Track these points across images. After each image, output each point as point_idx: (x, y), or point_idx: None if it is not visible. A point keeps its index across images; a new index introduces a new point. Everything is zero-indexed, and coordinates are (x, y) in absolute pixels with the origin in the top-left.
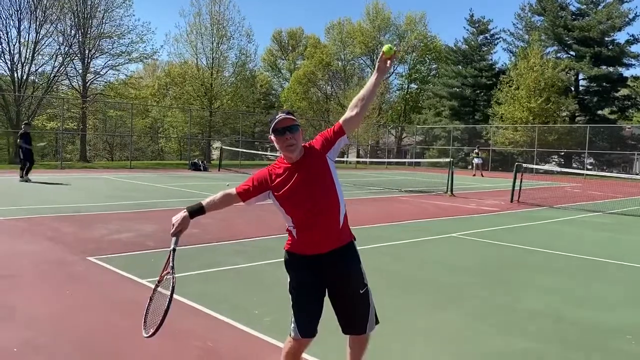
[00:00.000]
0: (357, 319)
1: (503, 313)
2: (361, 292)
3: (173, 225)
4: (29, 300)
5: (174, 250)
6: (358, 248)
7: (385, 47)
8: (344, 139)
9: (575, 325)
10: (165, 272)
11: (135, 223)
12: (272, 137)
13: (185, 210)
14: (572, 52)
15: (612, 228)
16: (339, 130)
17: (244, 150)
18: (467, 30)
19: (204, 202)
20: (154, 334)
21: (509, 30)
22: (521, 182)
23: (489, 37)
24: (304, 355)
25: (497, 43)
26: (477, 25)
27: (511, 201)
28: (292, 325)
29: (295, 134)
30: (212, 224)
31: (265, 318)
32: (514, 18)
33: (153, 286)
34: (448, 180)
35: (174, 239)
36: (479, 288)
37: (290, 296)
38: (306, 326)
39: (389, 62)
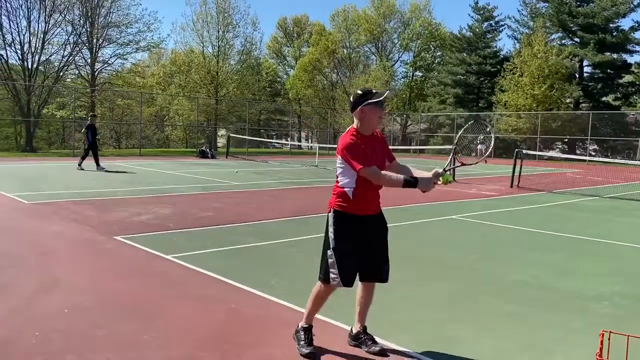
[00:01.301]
0: (384, 269)
1: (493, 283)
2: (389, 249)
3: (433, 186)
4: (70, 272)
5: (333, 249)
6: None
7: (442, 178)
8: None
9: (557, 292)
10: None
11: (153, 206)
12: (369, 108)
13: (417, 186)
14: (576, 39)
15: (606, 211)
16: (390, 157)
17: (250, 138)
18: (472, 17)
19: (400, 176)
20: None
21: (513, 17)
22: (521, 167)
23: (493, 24)
24: (321, 317)
25: (502, 30)
26: (482, 12)
27: (511, 186)
28: (333, 276)
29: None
30: (225, 209)
31: (281, 287)
32: (519, 5)
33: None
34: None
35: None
36: (472, 262)
37: (327, 252)
38: (350, 278)
39: (436, 185)
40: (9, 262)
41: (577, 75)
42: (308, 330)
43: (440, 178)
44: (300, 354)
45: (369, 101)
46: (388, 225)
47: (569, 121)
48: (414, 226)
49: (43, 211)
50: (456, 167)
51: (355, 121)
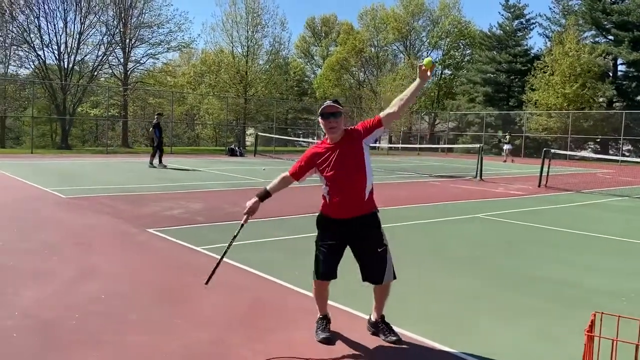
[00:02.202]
0: (374, 271)
1: (514, 278)
2: (379, 250)
3: (246, 207)
4: (106, 261)
5: (242, 225)
6: (389, 225)
7: (425, 61)
8: (380, 130)
9: (577, 289)
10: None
11: (183, 201)
12: (320, 120)
13: (255, 196)
14: (610, 37)
15: (634, 211)
16: (378, 123)
17: (278, 137)
18: (502, 15)
19: (268, 187)
20: (206, 282)
21: (545, 15)
22: (549, 167)
23: (524, 22)
24: (341, 306)
25: (533, 28)
26: (512, 10)
27: (539, 186)
28: (315, 270)
29: (338, 119)
30: None
31: (304, 278)
32: (550, 2)
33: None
34: (477, 166)
35: (245, 217)
36: (495, 259)
37: (315, 247)
38: (325, 272)
39: (429, 72)
40: (51, 251)
41: (611, 74)
42: (323, 319)
43: (423, 63)
44: (317, 340)
45: (319, 113)
46: (417, 221)
47: (601, 120)
48: (440, 223)
49: (80, 205)
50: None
51: None
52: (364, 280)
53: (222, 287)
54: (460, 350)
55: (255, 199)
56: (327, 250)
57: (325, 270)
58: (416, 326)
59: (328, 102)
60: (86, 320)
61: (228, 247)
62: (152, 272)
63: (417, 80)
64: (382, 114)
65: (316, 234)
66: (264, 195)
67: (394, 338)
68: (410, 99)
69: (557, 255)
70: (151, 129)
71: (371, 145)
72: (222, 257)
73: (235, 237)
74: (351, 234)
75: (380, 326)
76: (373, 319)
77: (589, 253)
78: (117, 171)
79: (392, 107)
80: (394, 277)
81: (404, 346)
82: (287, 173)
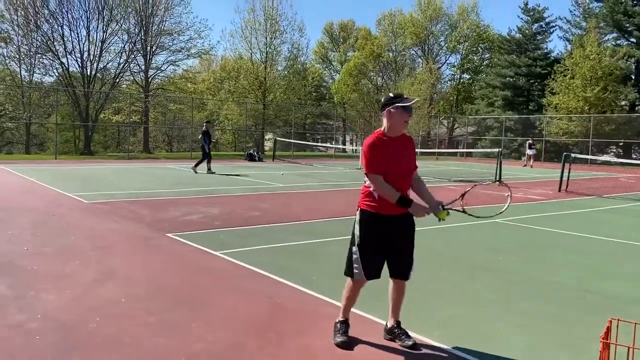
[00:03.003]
0: (407, 268)
1: (533, 284)
2: (413, 249)
3: (423, 213)
4: (126, 265)
5: (357, 245)
6: None
7: (441, 214)
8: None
9: (597, 294)
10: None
11: (202, 206)
12: (397, 111)
13: (409, 208)
14: (632, 39)
15: None
16: (414, 166)
17: (296, 142)
18: (522, 18)
19: (396, 193)
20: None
21: (565, 18)
22: (569, 172)
23: (544, 26)
24: (357, 311)
25: (553, 31)
26: (531, 13)
27: (559, 190)
28: (357, 271)
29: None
30: (271, 209)
31: (321, 283)
32: (570, 5)
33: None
34: (497, 170)
35: (430, 210)
36: (513, 264)
37: (352, 247)
38: (374, 272)
39: (427, 214)
40: (72, 255)
41: (633, 77)
42: (344, 322)
43: (438, 213)
44: (334, 343)
45: (398, 104)
46: (434, 226)
47: (623, 124)
48: (458, 228)
49: (101, 210)
50: (455, 209)
51: (384, 123)
52: (393, 276)
53: (240, 292)
54: (476, 356)
55: (416, 208)
56: (376, 248)
57: (374, 269)
58: (433, 331)
59: (412, 97)
60: (106, 323)
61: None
62: (171, 276)
63: (412, 207)
64: (370, 177)
65: (357, 233)
66: (408, 199)
67: (410, 343)
68: (386, 197)
69: (577, 260)
70: (200, 136)
71: None
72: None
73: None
74: (397, 231)
75: (396, 331)
76: (389, 325)
77: (609, 259)
78: (138, 176)
79: (418, 182)
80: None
81: (420, 351)
82: (376, 176)
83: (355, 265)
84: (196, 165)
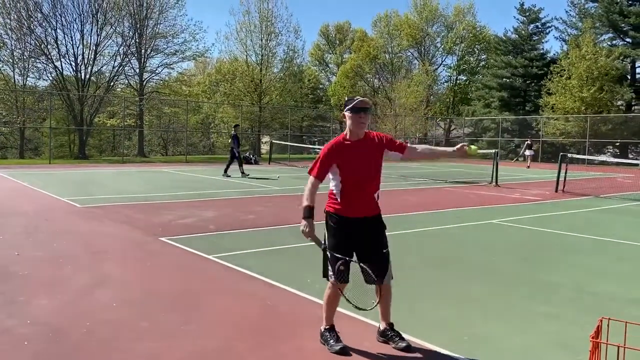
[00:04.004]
0: (378, 271)
1: (529, 284)
2: (384, 251)
3: (304, 232)
4: (118, 269)
5: (324, 249)
6: (403, 231)
7: (473, 147)
8: (398, 155)
9: (593, 295)
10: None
11: (197, 210)
12: (348, 114)
13: (302, 218)
14: (628, 39)
15: None
16: (401, 148)
17: (293, 144)
18: (517, 19)
19: (307, 201)
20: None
21: (561, 18)
22: (566, 172)
23: (539, 26)
24: (350, 313)
25: (549, 32)
26: (527, 14)
27: (555, 191)
28: (331, 273)
29: (367, 115)
30: (264, 212)
31: (315, 285)
32: (566, 5)
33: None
34: (493, 171)
35: (314, 238)
36: (509, 264)
37: (326, 251)
38: (345, 274)
39: (468, 155)
40: (64, 259)
41: (629, 77)
42: (331, 329)
43: (470, 149)
44: (332, 352)
45: (347, 107)
46: (431, 227)
47: (620, 124)
48: (454, 229)
49: (94, 214)
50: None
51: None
52: (367, 282)
53: (233, 295)
54: (471, 357)
55: (305, 220)
56: (343, 252)
57: (344, 272)
58: (427, 333)
59: (360, 98)
60: (97, 328)
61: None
62: (163, 280)
63: (453, 153)
64: (409, 145)
65: (325, 235)
66: (309, 211)
67: (404, 345)
68: (435, 156)
69: (573, 261)
70: (230, 140)
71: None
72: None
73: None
74: (362, 234)
75: (389, 334)
76: (382, 327)
77: (605, 259)
78: (133, 180)
79: (419, 148)
80: (392, 277)
81: (414, 354)
82: (312, 178)
83: (329, 268)
84: (226, 170)
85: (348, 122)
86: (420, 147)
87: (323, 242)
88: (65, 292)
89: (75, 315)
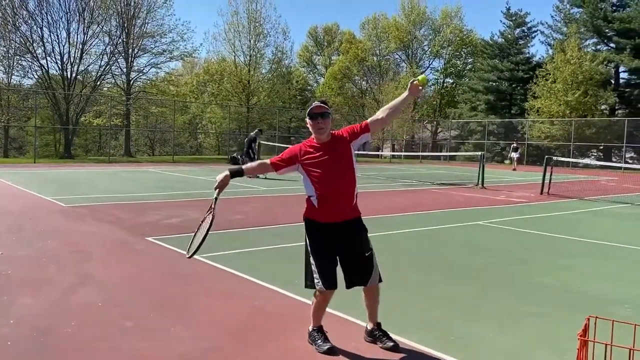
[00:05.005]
0: (361, 274)
1: (516, 285)
2: (366, 254)
3: (217, 181)
4: (103, 269)
5: (216, 199)
6: (390, 232)
7: (420, 77)
8: (367, 135)
9: (580, 295)
10: (207, 213)
11: (184, 210)
12: (307, 120)
13: (227, 170)
14: (612, 44)
15: (636, 217)
16: (365, 128)
17: (281, 145)
18: (504, 23)
19: (244, 166)
20: (192, 256)
21: (546, 23)
22: (551, 174)
23: (526, 30)
24: (337, 313)
25: (535, 36)
26: (514, 18)
27: (541, 193)
28: (317, 281)
29: (326, 120)
30: (253, 212)
31: (302, 285)
32: (552, 10)
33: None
34: (479, 173)
35: (217, 191)
36: (495, 266)
37: (309, 259)
38: (332, 281)
39: (420, 88)
40: (49, 259)
41: (613, 82)
42: (319, 329)
43: (418, 79)
44: (320, 352)
45: (307, 113)
46: (417, 228)
47: (604, 128)
48: (440, 231)
49: (80, 213)
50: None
51: None
52: (349, 286)
53: (220, 296)
54: (458, 357)
55: (226, 172)
56: (327, 257)
57: (331, 278)
58: (414, 333)
59: (316, 102)
60: (82, 328)
61: (203, 222)
62: (149, 280)
63: (406, 93)
64: (369, 120)
65: (308, 242)
66: (236, 172)
67: (391, 344)
68: (397, 109)
69: (559, 262)
70: (254, 143)
71: (371, 153)
72: (205, 236)
73: (212, 208)
74: (341, 238)
75: (377, 334)
76: (369, 327)
77: (591, 260)
78: (119, 180)
79: (380, 115)
80: (380, 280)
81: (402, 354)
82: (268, 160)
83: (315, 276)
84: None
85: (309, 127)
86: (379, 113)
87: (307, 249)
88: (50, 291)
89: (59, 315)
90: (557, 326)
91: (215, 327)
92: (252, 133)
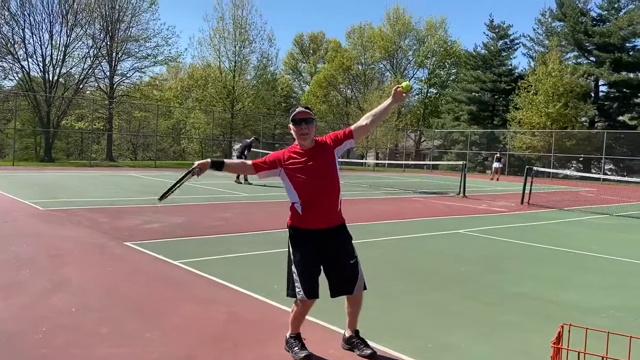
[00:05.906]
0: (345, 283)
1: (492, 294)
2: (351, 262)
3: (195, 164)
4: (79, 274)
5: (189, 172)
6: (371, 239)
7: (404, 84)
8: (351, 142)
9: (555, 304)
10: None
11: (164, 215)
12: (291, 126)
13: (209, 159)
14: (592, 58)
15: (613, 228)
16: (349, 134)
17: (265, 152)
18: (487, 35)
19: (226, 160)
20: (162, 199)
21: (529, 36)
22: (531, 185)
23: (508, 42)
24: (315, 320)
25: (517, 48)
26: (497, 30)
27: (521, 203)
28: (298, 290)
29: (310, 125)
30: (234, 218)
31: (282, 292)
32: (534, 23)
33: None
34: (461, 183)
35: (194, 167)
36: (473, 274)
37: (292, 267)
38: (313, 290)
39: (404, 94)
40: (23, 263)
41: (593, 94)
42: (297, 337)
43: (402, 86)
44: (296, 359)
45: (290, 119)
46: (398, 236)
47: (584, 140)
48: (419, 239)
49: (57, 217)
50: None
51: None
52: (333, 295)
53: (197, 302)
54: None
55: (207, 160)
56: (310, 265)
57: (313, 288)
58: (392, 341)
59: (299, 108)
60: (54, 334)
61: (174, 186)
62: (126, 286)
63: (390, 99)
64: (353, 127)
65: (291, 250)
66: (217, 164)
67: (369, 352)
68: (381, 115)
69: (537, 271)
70: (247, 150)
71: (355, 161)
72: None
73: (180, 180)
74: (326, 246)
75: (354, 341)
76: (347, 334)
77: (568, 269)
78: (100, 184)
79: (364, 121)
80: (365, 288)
81: None
82: (249, 161)
83: (297, 285)
84: (237, 177)
85: (293, 133)
86: (362, 120)
87: (289, 258)
88: (22, 296)
89: (31, 320)
90: (533, 335)
91: (192, 333)
92: (248, 140)
